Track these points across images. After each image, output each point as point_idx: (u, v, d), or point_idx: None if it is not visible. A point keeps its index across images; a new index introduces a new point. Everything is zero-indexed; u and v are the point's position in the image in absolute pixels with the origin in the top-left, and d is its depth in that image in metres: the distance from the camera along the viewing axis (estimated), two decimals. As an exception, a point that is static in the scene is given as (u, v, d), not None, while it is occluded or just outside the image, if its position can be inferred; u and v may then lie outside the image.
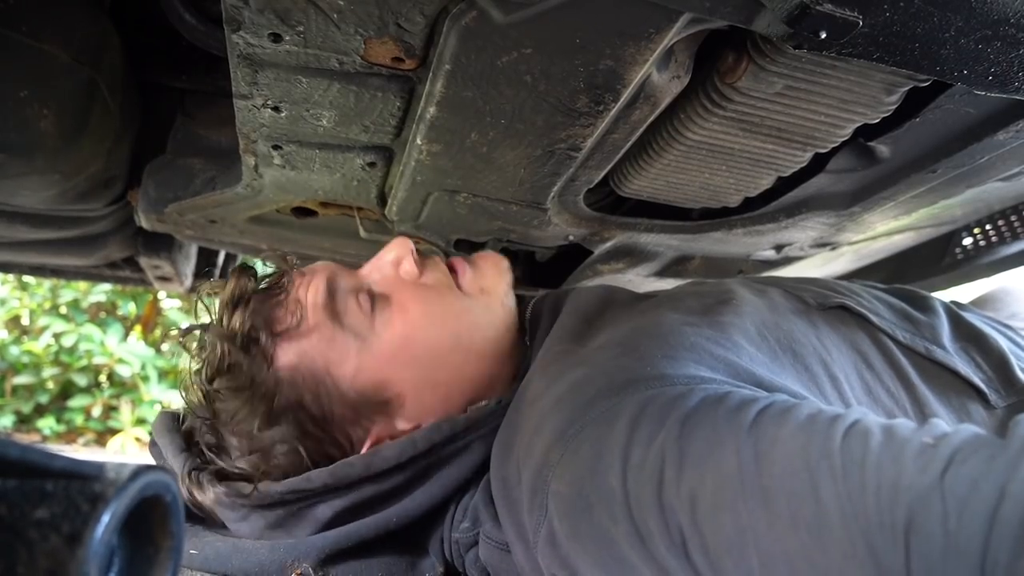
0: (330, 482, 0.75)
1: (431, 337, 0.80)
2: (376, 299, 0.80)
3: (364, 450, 0.79)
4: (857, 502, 0.45)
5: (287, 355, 0.77)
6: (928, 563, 0.41)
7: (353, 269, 0.86)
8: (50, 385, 4.76)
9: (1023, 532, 0.39)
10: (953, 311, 0.86)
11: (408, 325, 0.80)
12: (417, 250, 0.87)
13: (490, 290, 0.87)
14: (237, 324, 0.76)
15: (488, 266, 0.90)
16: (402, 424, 0.80)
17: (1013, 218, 1.22)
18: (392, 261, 0.85)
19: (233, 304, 0.78)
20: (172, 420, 0.85)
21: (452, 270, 0.89)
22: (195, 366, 0.80)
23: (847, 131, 0.78)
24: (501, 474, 0.71)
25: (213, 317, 0.81)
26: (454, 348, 0.81)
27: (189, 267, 1.91)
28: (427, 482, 0.78)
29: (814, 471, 0.47)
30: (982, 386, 0.75)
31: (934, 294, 0.90)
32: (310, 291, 0.79)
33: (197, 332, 0.81)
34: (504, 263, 0.91)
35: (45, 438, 4.65)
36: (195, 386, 0.79)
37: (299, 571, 0.74)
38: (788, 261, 1.29)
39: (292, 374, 0.76)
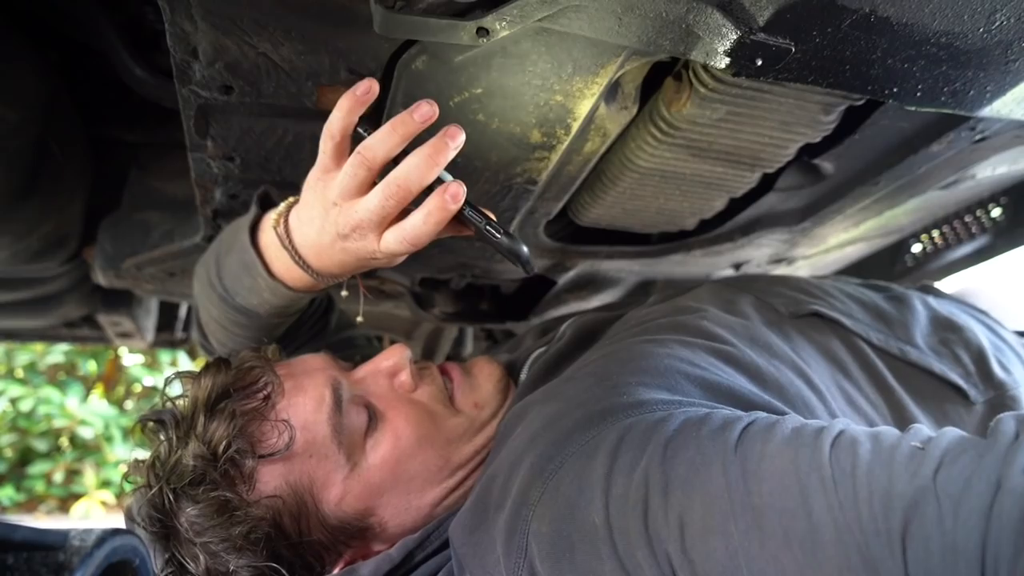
0: None
1: (419, 464, 0.76)
2: (373, 416, 0.75)
3: (336, 571, 0.75)
4: (850, 512, 0.44)
5: (271, 478, 0.70)
6: (927, 566, 0.41)
7: (345, 369, 0.80)
8: (8, 453, 4.58)
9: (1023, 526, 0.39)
10: (929, 303, 0.86)
11: (398, 451, 0.74)
12: (415, 360, 0.82)
13: (484, 404, 0.82)
14: (216, 439, 0.68)
15: (483, 378, 0.84)
16: (377, 547, 0.76)
17: (956, 223, 1.27)
18: (388, 371, 0.79)
19: (210, 407, 0.69)
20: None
21: (446, 375, 0.83)
22: (156, 464, 0.71)
23: (791, 151, 0.81)
24: (472, 539, 0.67)
25: (183, 409, 0.72)
26: (441, 469, 0.77)
27: (150, 321, 1.87)
28: None
29: (804, 485, 0.47)
30: (960, 382, 0.75)
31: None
32: (312, 402, 0.72)
33: (162, 423, 0.73)
34: (497, 370, 0.86)
35: (4, 508, 4.45)
36: (152, 489, 0.69)
37: None
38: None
39: (273, 500, 0.70)
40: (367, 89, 0.62)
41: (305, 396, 0.72)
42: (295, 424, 0.70)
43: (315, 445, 0.71)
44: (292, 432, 0.70)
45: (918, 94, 0.63)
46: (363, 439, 0.74)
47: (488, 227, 0.67)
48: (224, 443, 0.67)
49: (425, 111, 0.62)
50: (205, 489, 0.67)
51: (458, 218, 0.66)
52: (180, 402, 0.74)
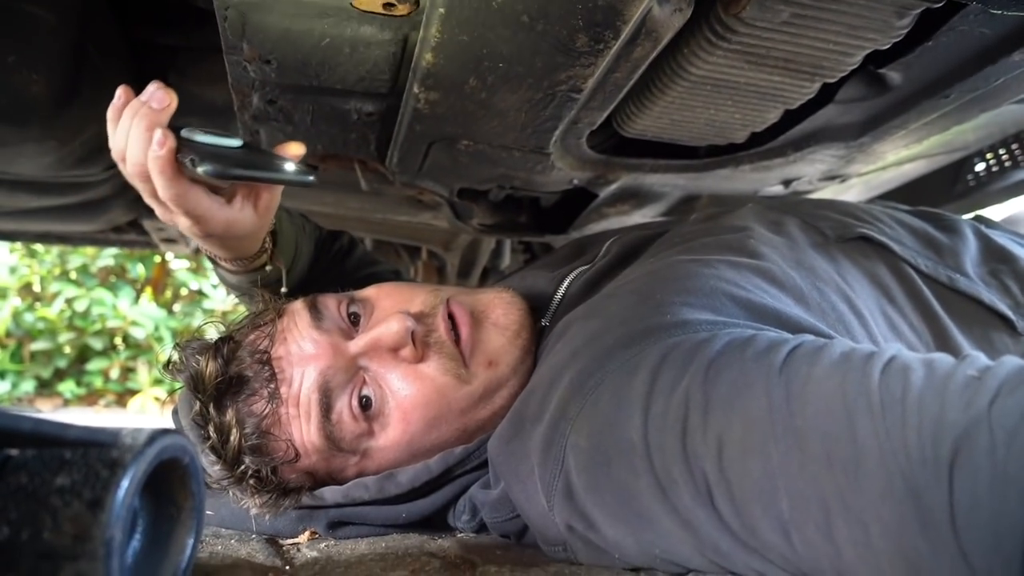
0: (342, 501, 0.76)
1: (433, 438, 0.76)
2: (371, 406, 0.74)
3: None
4: (897, 439, 0.43)
5: (290, 471, 0.75)
6: (973, 497, 0.40)
7: (347, 338, 0.76)
8: (67, 350, 4.83)
9: None
10: (982, 232, 0.84)
11: (409, 434, 0.74)
12: (420, 313, 0.77)
13: (497, 359, 0.77)
14: (231, 455, 0.71)
15: (495, 332, 0.78)
16: None
17: (1027, 141, 1.19)
18: (389, 346, 0.74)
19: (219, 405, 0.72)
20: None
21: (455, 332, 0.77)
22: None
23: (857, 59, 0.75)
24: (508, 448, 0.69)
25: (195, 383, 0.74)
26: (459, 437, 0.77)
27: (194, 228, 1.90)
28: (441, 490, 0.78)
29: (851, 409, 0.46)
30: (1008, 313, 0.73)
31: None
32: (302, 424, 0.72)
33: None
34: (513, 315, 0.80)
35: (67, 401, 4.74)
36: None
37: (312, 530, 0.78)
38: (796, 195, 1.28)
39: (298, 483, 0.76)
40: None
41: (296, 408, 0.73)
42: (295, 443, 0.73)
43: (319, 453, 0.74)
44: (295, 448, 0.73)
45: (1007, -5, 0.58)
46: (369, 427, 0.74)
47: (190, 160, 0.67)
48: (243, 466, 0.71)
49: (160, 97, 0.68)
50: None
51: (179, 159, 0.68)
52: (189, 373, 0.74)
